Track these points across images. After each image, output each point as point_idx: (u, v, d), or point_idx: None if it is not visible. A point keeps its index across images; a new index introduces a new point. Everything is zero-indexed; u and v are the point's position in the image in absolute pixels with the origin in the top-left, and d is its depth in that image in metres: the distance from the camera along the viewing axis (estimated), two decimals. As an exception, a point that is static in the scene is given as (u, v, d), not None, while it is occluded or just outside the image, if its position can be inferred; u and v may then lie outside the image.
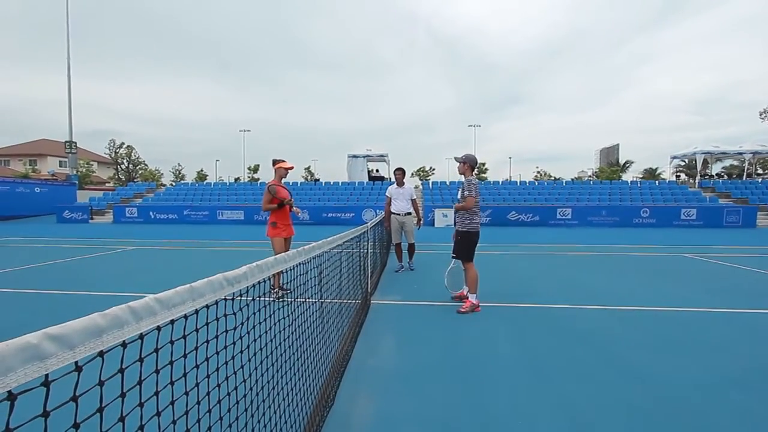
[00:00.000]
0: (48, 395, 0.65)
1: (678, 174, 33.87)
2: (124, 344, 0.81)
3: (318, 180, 29.96)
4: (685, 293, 5.27)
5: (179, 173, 56.80)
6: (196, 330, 1.06)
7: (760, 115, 41.16)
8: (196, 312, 1.02)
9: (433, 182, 26.18)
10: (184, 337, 1.00)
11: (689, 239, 12.61)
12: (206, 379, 1.12)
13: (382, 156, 28.11)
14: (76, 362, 0.70)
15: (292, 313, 1.89)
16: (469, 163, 4.79)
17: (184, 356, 1.00)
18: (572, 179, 38.63)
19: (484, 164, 53.28)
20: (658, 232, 15.60)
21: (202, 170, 56.01)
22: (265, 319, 1.51)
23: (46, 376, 0.64)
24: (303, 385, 2.06)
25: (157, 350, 0.91)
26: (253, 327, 1.40)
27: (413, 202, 6.78)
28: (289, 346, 1.84)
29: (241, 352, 1.31)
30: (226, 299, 1.18)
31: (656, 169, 46.58)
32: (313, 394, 2.26)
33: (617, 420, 2.28)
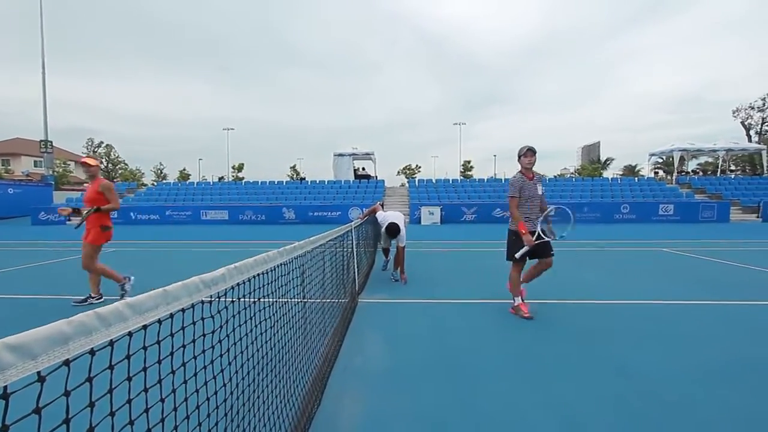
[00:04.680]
0: (7, 408, 0.62)
1: (656, 171, 34.80)
2: (92, 352, 0.78)
3: (304, 179, 29.72)
4: (665, 287, 5.41)
5: (161, 173, 55.55)
6: (171, 335, 1.03)
7: (733, 113, 42.67)
8: (171, 316, 0.99)
9: (419, 180, 26.26)
10: (158, 342, 0.97)
11: (667, 234, 12.98)
12: (183, 384, 1.09)
13: (368, 154, 28.06)
14: (39, 372, 0.67)
15: (273, 314, 1.86)
16: (518, 159, 4.22)
17: (159, 362, 0.97)
18: (555, 176, 39.38)
19: (469, 162, 53.75)
20: (638, 227, 16.01)
21: (184, 169, 54.90)
22: (246, 322, 1.48)
23: (5, 387, 0.61)
24: (287, 387, 2.04)
25: (128, 357, 0.88)
26: (233, 330, 1.37)
27: (400, 248, 5.77)
28: (271, 348, 1.81)
29: (221, 355, 1.28)
30: (203, 302, 1.15)
31: (635, 166, 47.84)
32: (299, 395, 2.24)
33: (604, 414, 2.32)
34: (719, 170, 30.78)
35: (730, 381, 2.71)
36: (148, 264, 8.03)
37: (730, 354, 3.16)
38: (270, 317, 1.82)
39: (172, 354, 1.03)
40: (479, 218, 18.85)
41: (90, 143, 54.02)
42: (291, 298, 2.14)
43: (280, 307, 1.98)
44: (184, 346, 1.09)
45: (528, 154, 4.11)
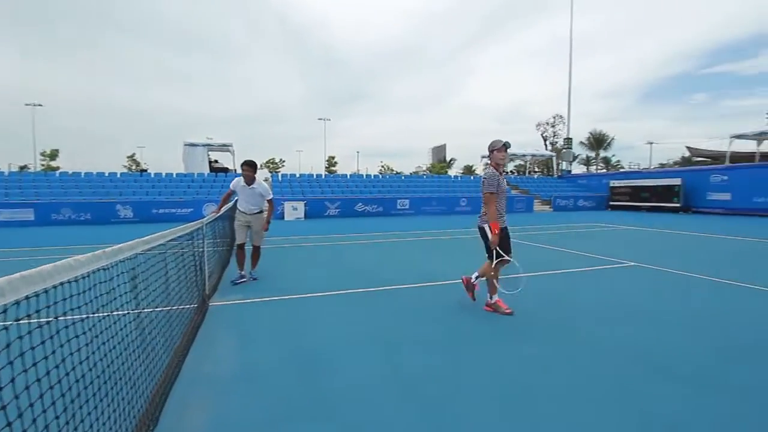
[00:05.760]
0: None
1: (486, 170, 41.89)
2: None
3: (145, 170, 25.41)
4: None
5: None
6: None
7: (537, 126, 54.50)
8: None
9: (282, 175, 25.47)
10: None
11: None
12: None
13: (225, 145, 25.71)
14: None
15: (90, 329, 1.58)
16: (491, 153, 4.07)
17: None
18: (410, 173, 43.48)
19: (333, 158, 54.61)
20: (471, 217, 18.97)
21: (-44, 154, 40.45)
22: (43, 342, 1.22)
23: None
24: (114, 411, 1.76)
25: None
26: (21, 354, 1.11)
27: (269, 202, 5.73)
28: (90, 370, 1.54)
29: (2, 388, 1.03)
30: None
31: (472, 166, 56.34)
32: (134, 417, 1.96)
33: (450, 386, 2.69)
34: (527, 171, 38.98)
35: (543, 340, 3.52)
36: None
37: (551, 316, 4.09)
38: (84, 333, 1.54)
39: None
40: (342, 213, 19.41)
41: None
42: (114, 311, 1.84)
43: (99, 320, 1.69)
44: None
45: (503, 149, 4.00)
